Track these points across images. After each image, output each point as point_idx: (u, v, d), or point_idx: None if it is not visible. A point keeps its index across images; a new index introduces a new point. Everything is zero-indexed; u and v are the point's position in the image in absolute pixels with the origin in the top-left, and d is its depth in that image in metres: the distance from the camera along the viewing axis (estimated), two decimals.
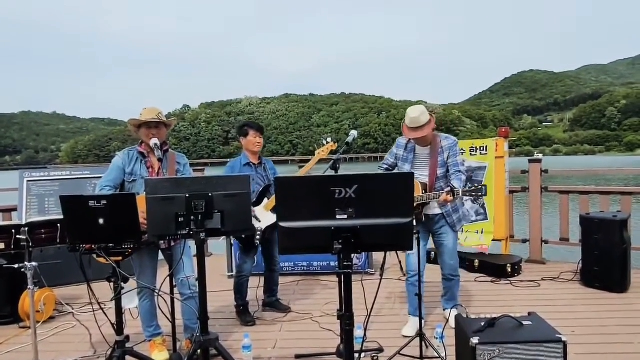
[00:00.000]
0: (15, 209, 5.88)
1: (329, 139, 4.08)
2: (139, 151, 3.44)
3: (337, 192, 2.09)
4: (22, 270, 3.11)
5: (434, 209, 3.68)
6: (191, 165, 3.89)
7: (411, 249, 2.20)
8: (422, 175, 3.62)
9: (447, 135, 3.78)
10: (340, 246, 2.09)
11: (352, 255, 2.17)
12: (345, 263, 2.14)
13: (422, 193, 3.55)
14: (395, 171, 3.81)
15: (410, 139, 3.68)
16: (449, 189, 3.42)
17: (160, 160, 3.31)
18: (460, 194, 3.45)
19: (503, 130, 5.98)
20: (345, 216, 2.10)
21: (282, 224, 2.16)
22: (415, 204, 3.47)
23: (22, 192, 5.81)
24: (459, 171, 3.60)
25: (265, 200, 4.06)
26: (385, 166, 3.90)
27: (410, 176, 2.17)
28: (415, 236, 3.39)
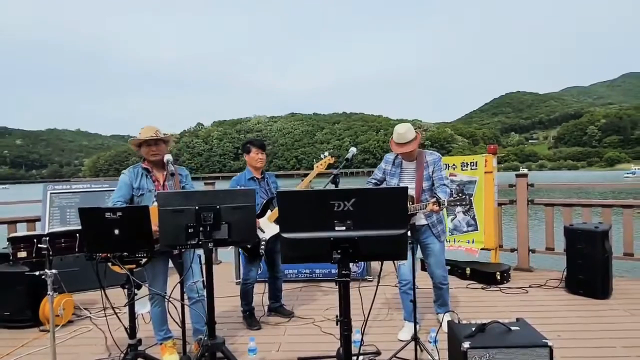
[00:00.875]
0: (39, 220, 5.86)
1: (326, 154, 4.07)
2: (143, 167, 3.43)
3: (336, 205, 2.09)
4: (43, 277, 3.09)
5: (420, 220, 3.65)
6: (203, 179, 3.89)
7: (405, 258, 2.18)
8: (408, 188, 3.60)
9: (431, 151, 3.79)
10: (339, 256, 2.09)
11: (351, 263, 2.17)
12: (343, 272, 2.12)
13: (410, 204, 3.53)
14: (383, 185, 3.80)
15: (397, 155, 3.69)
16: (434, 199, 3.41)
17: (172, 174, 3.32)
18: (446, 204, 3.43)
19: (491, 147, 5.96)
20: (344, 228, 2.09)
21: (285, 235, 2.15)
22: None
23: (45, 203, 5.81)
24: (444, 184, 3.60)
25: (269, 212, 4.03)
26: (374, 180, 3.88)
27: (403, 190, 2.16)
28: (411, 245, 3.37)
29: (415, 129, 3.59)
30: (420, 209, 3.50)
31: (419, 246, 3.78)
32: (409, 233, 3.31)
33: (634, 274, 5.68)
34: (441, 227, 3.73)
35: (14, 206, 6.97)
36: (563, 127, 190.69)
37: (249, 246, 3.91)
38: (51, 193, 5.89)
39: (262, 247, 3.91)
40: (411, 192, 3.57)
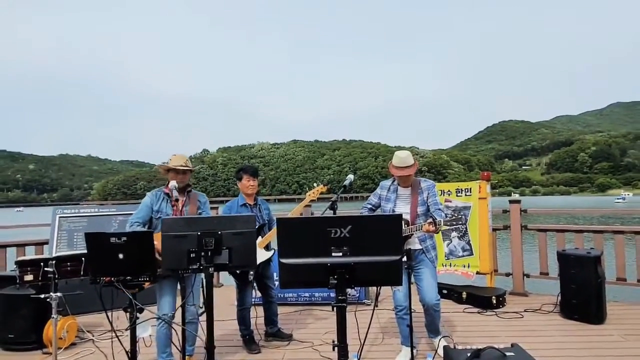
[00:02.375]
0: (47, 243, 5.83)
1: (318, 183, 4.12)
2: (164, 192, 3.53)
3: (333, 231, 2.09)
4: (48, 300, 3.05)
5: (415, 244, 3.63)
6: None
7: (400, 284, 2.16)
8: (403, 213, 3.60)
9: (425, 179, 3.82)
10: (336, 281, 2.07)
11: (354, 287, 2.15)
12: (340, 297, 2.10)
13: (405, 227, 3.52)
14: (378, 210, 3.80)
15: (393, 181, 3.73)
16: (431, 219, 3.40)
17: (177, 200, 3.35)
18: (442, 224, 3.41)
19: (485, 174, 5.97)
20: (340, 254, 2.09)
21: (283, 261, 2.14)
22: None
23: (53, 227, 5.78)
24: (439, 209, 3.60)
25: (260, 237, 4.01)
26: (369, 206, 3.87)
27: (398, 218, 2.16)
28: (406, 272, 3.34)
29: (413, 157, 3.64)
30: (416, 230, 3.49)
31: (411, 271, 3.73)
32: (404, 259, 3.30)
33: (627, 298, 5.57)
34: (435, 252, 3.70)
35: (24, 229, 6.95)
36: (555, 154, 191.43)
37: (237, 272, 3.88)
38: (60, 217, 5.87)
39: (252, 273, 3.88)
40: (406, 216, 3.58)
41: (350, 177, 3.92)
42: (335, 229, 2.08)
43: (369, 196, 3.92)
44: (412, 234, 3.56)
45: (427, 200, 3.62)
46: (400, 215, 2.24)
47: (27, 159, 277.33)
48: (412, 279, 3.75)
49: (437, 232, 3.54)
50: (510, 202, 5.92)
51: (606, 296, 4.64)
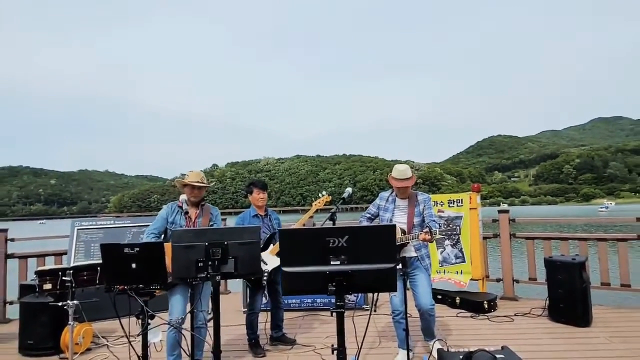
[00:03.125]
0: (65, 253, 5.82)
1: (324, 192, 4.09)
2: (178, 205, 3.55)
3: (331, 241, 2.09)
4: (65, 307, 3.04)
5: (411, 252, 3.61)
6: None
7: (395, 290, 2.14)
8: (401, 222, 3.60)
9: (422, 192, 3.82)
10: (334, 288, 2.06)
11: (351, 293, 2.13)
12: (338, 303, 2.09)
13: (402, 235, 3.52)
14: (376, 220, 3.80)
15: (392, 192, 3.73)
16: (427, 229, 3.39)
17: (186, 213, 3.38)
18: (437, 233, 3.40)
19: (475, 186, 5.96)
20: (338, 262, 2.08)
21: (285, 269, 2.13)
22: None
23: (72, 238, 5.78)
24: (434, 220, 3.60)
25: (271, 246, 4.00)
26: (368, 215, 3.87)
27: (392, 227, 2.16)
28: (401, 278, 3.32)
29: (411, 170, 3.67)
30: (413, 239, 3.48)
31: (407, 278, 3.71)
32: (399, 265, 3.28)
33: (612, 302, 5.51)
34: (429, 261, 3.68)
35: (44, 240, 6.95)
36: (541, 166, 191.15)
37: (252, 278, 3.86)
38: (78, 229, 5.87)
39: (265, 278, 3.86)
40: (403, 225, 3.58)
41: (349, 189, 3.92)
42: (333, 238, 2.08)
43: (369, 207, 3.92)
44: (408, 243, 3.55)
45: (422, 211, 3.62)
46: (394, 225, 2.25)
47: (49, 174, 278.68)
48: (408, 285, 3.73)
49: (432, 241, 3.54)
50: (499, 212, 5.89)
51: (592, 300, 4.60)
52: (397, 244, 3.46)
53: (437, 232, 3.40)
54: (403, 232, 3.54)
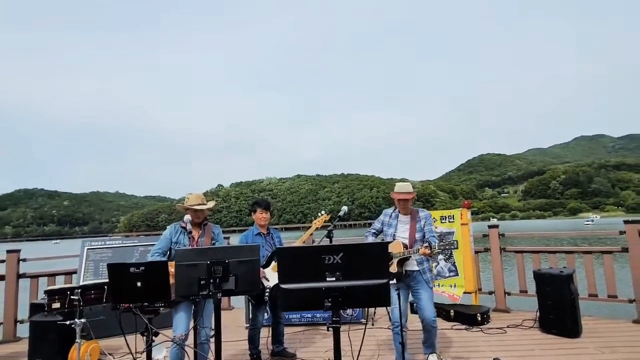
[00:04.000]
0: (75, 272, 5.75)
1: (323, 212, 4.10)
2: (181, 226, 3.53)
3: (327, 258, 2.08)
4: (72, 326, 2.99)
5: (413, 266, 3.59)
6: (222, 231, 3.91)
7: (389, 304, 2.12)
8: (403, 237, 3.62)
9: (423, 209, 3.84)
10: (330, 304, 2.04)
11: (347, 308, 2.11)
12: (334, 318, 2.06)
13: (404, 250, 3.51)
14: (381, 235, 3.81)
15: (395, 209, 3.76)
16: (427, 244, 3.41)
17: (190, 232, 3.36)
18: (436, 248, 3.41)
19: (465, 202, 5.96)
20: (334, 279, 2.07)
21: (283, 286, 2.11)
22: (397, 259, 3.47)
23: (82, 258, 5.72)
24: (433, 236, 3.61)
25: (273, 263, 3.97)
26: (373, 230, 3.88)
27: (384, 245, 2.15)
28: (395, 292, 3.29)
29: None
30: (414, 253, 3.48)
31: (409, 291, 3.68)
32: (395, 280, 3.25)
33: (600, 313, 5.43)
34: (430, 274, 3.68)
35: (55, 260, 6.87)
36: (529, 182, 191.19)
37: (255, 294, 3.81)
38: (88, 249, 5.82)
39: (267, 294, 3.81)
40: (405, 240, 3.60)
41: (345, 208, 3.92)
42: (329, 256, 2.07)
43: (367, 223, 3.93)
44: (410, 257, 3.55)
45: (423, 227, 3.64)
46: (387, 243, 2.24)
47: (63, 196, 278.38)
48: (410, 298, 3.71)
49: (432, 256, 3.54)
50: (489, 227, 5.87)
51: (581, 311, 4.53)
52: (400, 257, 3.48)
53: (436, 246, 3.41)
54: (405, 246, 3.55)
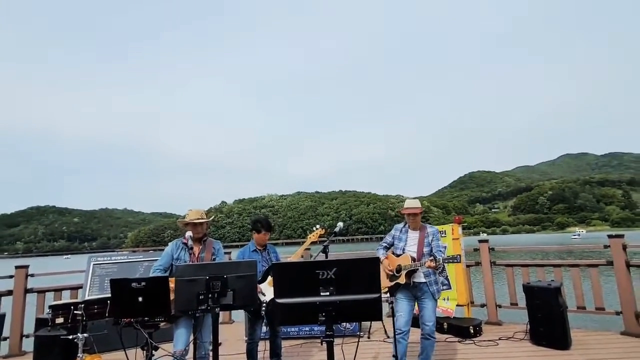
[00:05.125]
0: (81, 287, 5.66)
1: (317, 226, 4.08)
2: (183, 242, 3.48)
3: (320, 273, 2.05)
4: (75, 340, 2.92)
5: (420, 278, 3.60)
6: (225, 246, 3.87)
7: (380, 319, 2.08)
8: (411, 251, 3.65)
9: (431, 225, 3.86)
10: (324, 318, 2.00)
11: (340, 322, 2.08)
12: (328, 332, 2.01)
13: (412, 262, 3.55)
14: (392, 248, 3.84)
15: (405, 224, 3.81)
16: (432, 257, 3.43)
17: (191, 248, 3.33)
18: (441, 261, 3.42)
19: (457, 218, 5.92)
20: (328, 293, 2.03)
21: (279, 301, 2.07)
22: (406, 271, 3.52)
23: (88, 273, 5.63)
24: (440, 250, 3.62)
25: (269, 277, 3.90)
26: (384, 244, 3.91)
27: (376, 260, 2.12)
28: (401, 301, 3.30)
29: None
30: (420, 265, 3.50)
31: (415, 301, 3.66)
32: (388, 295, 3.20)
33: (589, 325, 5.34)
34: (437, 287, 3.65)
35: (62, 275, 6.77)
36: (518, 198, 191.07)
37: (252, 308, 3.73)
38: (94, 264, 5.74)
39: (264, 308, 3.74)
40: (413, 254, 3.63)
41: (340, 224, 3.91)
42: (322, 271, 2.05)
43: (364, 238, 3.93)
44: (417, 269, 3.56)
45: (431, 242, 3.66)
46: (378, 258, 2.20)
47: (73, 213, 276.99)
48: (416, 308, 3.69)
49: (437, 269, 3.55)
50: (480, 241, 5.83)
51: (570, 323, 4.45)
52: (408, 269, 3.53)
53: (441, 259, 3.43)
54: (413, 259, 3.57)
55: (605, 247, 4.99)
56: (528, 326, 4.62)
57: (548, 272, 5.45)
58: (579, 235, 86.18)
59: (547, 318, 4.34)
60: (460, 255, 3.50)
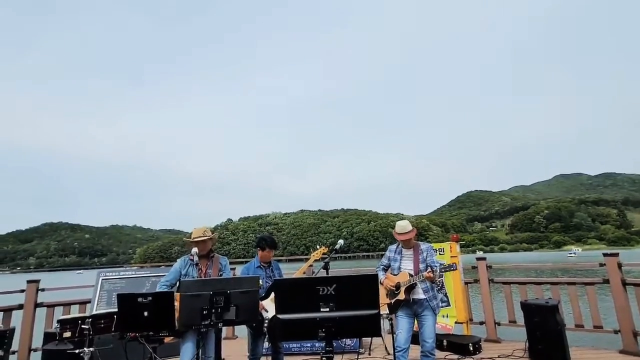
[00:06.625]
0: (89, 302, 5.59)
1: (318, 246, 4.07)
2: (190, 258, 3.47)
3: (321, 290, 2.03)
4: (81, 354, 2.87)
5: (420, 294, 3.55)
6: (230, 262, 3.86)
7: (378, 335, 2.04)
8: (408, 268, 3.63)
9: (424, 242, 3.84)
10: (324, 334, 1.97)
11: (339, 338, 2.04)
12: (327, 348, 1.98)
13: (410, 278, 3.52)
14: (388, 270, 3.81)
15: (399, 244, 3.78)
16: (430, 269, 3.42)
17: (197, 264, 3.31)
18: (438, 272, 3.40)
19: (454, 236, 5.87)
20: (327, 309, 2.01)
21: (280, 316, 2.05)
22: (405, 287, 3.49)
23: (96, 288, 5.57)
24: (436, 265, 3.58)
25: (273, 294, 3.86)
26: (382, 266, 3.90)
27: (374, 276, 2.11)
28: (390, 322, 3.21)
29: (412, 225, 3.75)
30: (419, 279, 3.47)
31: (415, 318, 3.60)
32: (387, 311, 3.15)
33: (587, 343, 5.19)
34: (436, 301, 3.61)
35: (74, 290, 6.71)
36: (515, 217, 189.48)
37: (254, 324, 3.67)
38: (102, 279, 5.69)
39: (266, 324, 3.67)
40: (410, 271, 3.60)
41: (340, 241, 3.91)
42: (323, 287, 2.03)
43: (365, 255, 3.92)
44: (416, 284, 3.52)
45: (426, 258, 3.63)
46: (376, 274, 2.18)
47: (85, 229, 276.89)
48: (416, 325, 3.63)
49: (435, 280, 3.50)
50: (478, 259, 5.75)
51: (568, 342, 4.33)
52: (407, 285, 3.50)
53: (438, 269, 3.40)
54: (410, 275, 3.54)
55: (601, 265, 4.90)
56: (527, 344, 4.50)
57: (545, 290, 5.35)
58: (575, 253, 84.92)
59: (545, 336, 4.23)
60: (456, 263, 3.48)
